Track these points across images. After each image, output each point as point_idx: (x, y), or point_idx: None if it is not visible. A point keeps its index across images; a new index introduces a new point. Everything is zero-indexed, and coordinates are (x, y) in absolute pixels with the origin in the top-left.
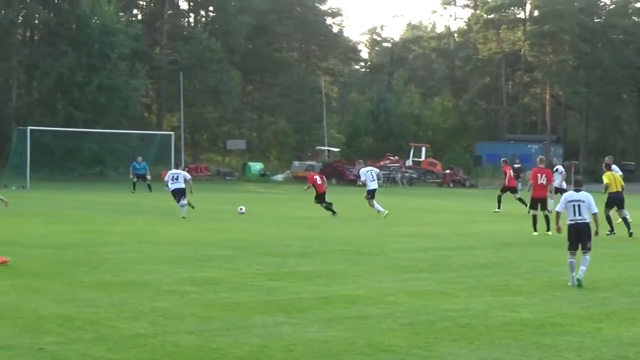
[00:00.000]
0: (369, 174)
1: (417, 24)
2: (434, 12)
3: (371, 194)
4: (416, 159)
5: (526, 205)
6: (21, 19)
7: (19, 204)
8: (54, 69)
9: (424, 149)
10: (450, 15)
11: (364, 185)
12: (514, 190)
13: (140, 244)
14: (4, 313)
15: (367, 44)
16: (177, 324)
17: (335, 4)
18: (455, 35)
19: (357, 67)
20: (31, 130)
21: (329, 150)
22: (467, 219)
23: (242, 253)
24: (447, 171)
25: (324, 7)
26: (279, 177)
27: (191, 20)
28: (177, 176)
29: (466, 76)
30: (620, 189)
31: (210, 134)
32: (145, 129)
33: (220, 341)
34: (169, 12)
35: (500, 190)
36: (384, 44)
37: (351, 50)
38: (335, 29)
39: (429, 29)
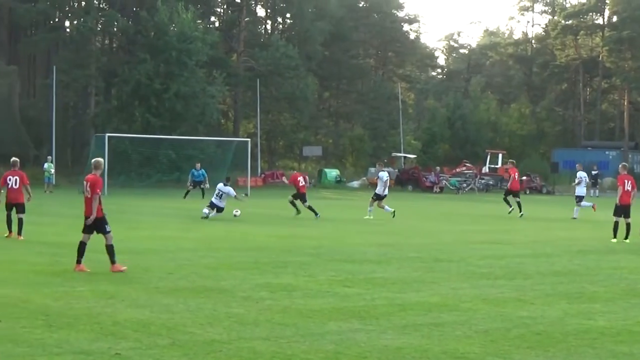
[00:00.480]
0: (387, 179)
1: (495, 30)
2: (512, 18)
3: (380, 198)
4: (493, 166)
5: (520, 210)
6: (100, 27)
7: None
8: (132, 76)
9: (500, 155)
10: (528, 22)
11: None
12: (516, 193)
13: (216, 250)
14: (81, 319)
15: (444, 50)
16: (252, 330)
17: (413, 11)
18: (533, 41)
19: (433, 73)
20: (109, 137)
21: (405, 157)
22: (544, 226)
23: (318, 259)
24: (524, 178)
25: (401, 14)
26: (355, 183)
27: (268, 27)
28: (221, 194)
29: (543, 82)
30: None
31: (286, 141)
32: (222, 135)
33: (295, 347)
34: (247, 19)
35: (505, 193)
36: (461, 51)
37: (428, 57)
38: (412, 36)
39: (506, 35)
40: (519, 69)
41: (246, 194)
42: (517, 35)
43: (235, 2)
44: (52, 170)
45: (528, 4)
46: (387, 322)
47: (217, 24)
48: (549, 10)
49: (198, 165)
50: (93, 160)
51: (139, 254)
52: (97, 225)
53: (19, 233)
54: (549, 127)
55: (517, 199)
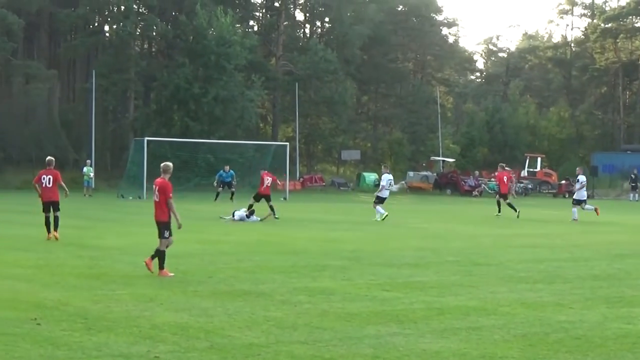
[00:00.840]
0: (388, 182)
1: (534, 33)
2: (551, 21)
3: (381, 201)
4: (531, 170)
5: (515, 210)
6: (139, 31)
7: (135, 213)
8: (171, 80)
9: (539, 159)
10: (567, 25)
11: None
12: (505, 196)
13: (255, 253)
14: (120, 322)
15: (483, 54)
16: (290, 334)
17: (451, 14)
18: (572, 44)
19: (472, 77)
20: (148, 141)
21: (443, 161)
22: (583, 230)
23: (356, 263)
24: (563, 182)
25: (440, 18)
26: (394, 187)
27: (307, 31)
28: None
29: (583, 86)
30: None
31: (325, 145)
32: (261, 139)
33: (333, 351)
34: (285, 23)
35: (498, 196)
36: (500, 54)
37: (467, 61)
38: (451, 39)
39: (545, 38)
40: (558, 72)
41: (285, 198)
42: (557, 39)
43: (274, 6)
44: (92, 174)
45: (567, 7)
46: (426, 326)
47: (255, 28)
48: (589, 14)
49: (227, 168)
50: (162, 165)
51: (178, 258)
52: (158, 227)
53: (55, 229)
54: (588, 131)
55: (507, 201)
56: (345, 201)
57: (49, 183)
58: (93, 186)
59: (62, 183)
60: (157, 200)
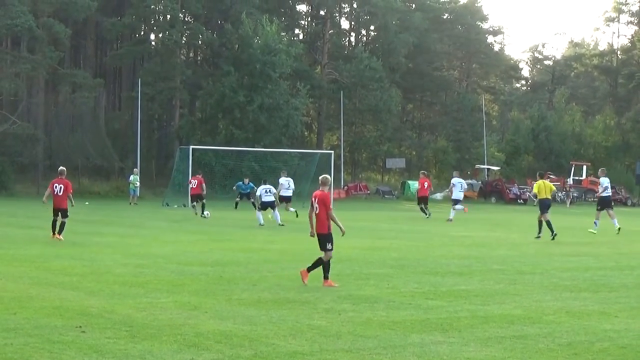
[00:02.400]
0: (459, 185)
1: (579, 41)
2: (597, 29)
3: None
4: (577, 178)
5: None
6: (185, 40)
7: (180, 221)
8: (216, 88)
9: (585, 167)
10: (614, 33)
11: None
12: (423, 199)
13: (299, 261)
14: (164, 330)
15: (528, 62)
16: (334, 342)
17: (497, 23)
18: (618, 52)
19: (517, 85)
20: (193, 149)
21: (488, 169)
22: (629, 239)
23: (401, 271)
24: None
25: (485, 26)
26: (439, 195)
27: (352, 39)
28: (269, 190)
29: (629, 94)
30: (549, 196)
31: (369, 153)
32: (306, 147)
33: (377, 359)
34: (330, 31)
35: (418, 200)
36: (546, 62)
37: (512, 69)
38: (496, 47)
39: (591, 46)
40: (604, 80)
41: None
42: (603, 47)
43: (320, 14)
44: (138, 183)
45: (613, 14)
46: (470, 335)
47: (301, 37)
48: (635, 21)
49: (247, 180)
50: (321, 177)
51: (223, 266)
52: (319, 240)
53: (60, 233)
54: (635, 139)
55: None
56: (389, 209)
57: (60, 192)
58: (138, 194)
59: (71, 193)
60: (317, 212)
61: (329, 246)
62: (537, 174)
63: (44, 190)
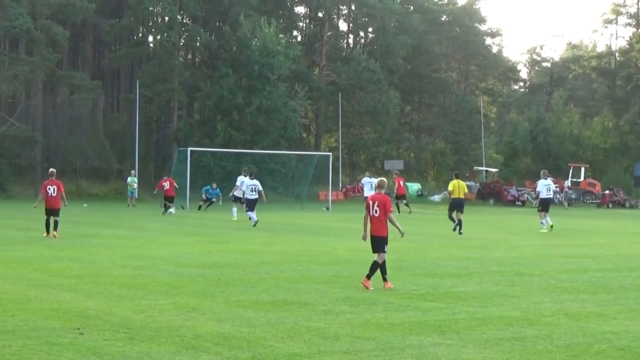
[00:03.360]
0: (368, 185)
1: (578, 43)
2: (595, 31)
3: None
4: (575, 180)
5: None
6: (183, 42)
7: (178, 223)
8: (215, 90)
9: (583, 169)
10: (612, 34)
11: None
12: (402, 197)
13: (297, 263)
14: (163, 332)
15: (527, 63)
16: (333, 344)
17: (495, 24)
18: (617, 54)
19: (516, 87)
20: (191, 151)
21: (486, 171)
22: (627, 240)
23: (399, 273)
24: (607, 192)
25: (483, 28)
26: (437, 197)
27: (350, 41)
28: (254, 188)
29: (627, 95)
30: (462, 196)
31: (368, 155)
32: (304, 149)
33: None
34: (329, 33)
35: (395, 198)
36: (544, 64)
37: (510, 70)
38: (494, 49)
39: (589, 48)
40: (602, 82)
41: (327, 208)
42: (601, 48)
43: (318, 16)
44: (135, 185)
45: (612, 16)
46: (468, 336)
47: (299, 38)
48: (633, 23)
49: (214, 185)
50: (378, 180)
51: (221, 267)
52: (376, 242)
53: (55, 229)
54: (633, 141)
55: (401, 201)
56: None
57: (54, 193)
58: (137, 196)
59: (63, 193)
60: (377, 215)
61: (385, 248)
62: (453, 173)
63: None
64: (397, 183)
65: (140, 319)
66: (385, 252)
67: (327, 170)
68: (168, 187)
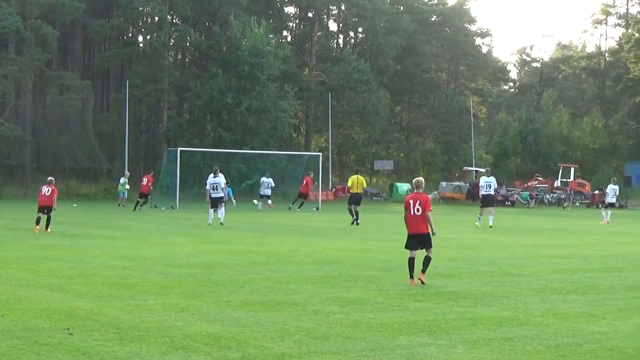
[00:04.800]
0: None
1: (567, 43)
2: (585, 31)
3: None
4: (565, 180)
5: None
6: (173, 42)
7: (168, 223)
8: (204, 90)
9: (572, 169)
10: (601, 35)
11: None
12: (303, 196)
13: (287, 263)
14: (152, 332)
15: (516, 64)
16: (322, 344)
17: (485, 25)
18: (606, 54)
19: (505, 87)
20: (181, 151)
21: (476, 171)
22: (617, 240)
23: (388, 273)
24: (596, 192)
25: (473, 28)
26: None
27: (340, 41)
28: (216, 186)
29: (616, 96)
30: (360, 191)
31: (357, 155)
32: (293, 149)
33: None
34: (319, 33)
35: (298, 196)
36: (533, 64)
37: (500, 71)
38: (484, 50)
39: (579, 48)
40: (591, 82)
41: (317, 208)
42: (590, 49)
43: (308, 16)
44: (128, 186)
45: (601, 17)
46: (458, 337)
47: (289, 39)
48: (623, 24)
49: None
50: (415, 180)
51: (211, 268)
52: (421, 240)
53: (47, 227)
54: (622, 141)
55: (302, 200)
56: (377, 211)
57: (47, 192)
58: (127, 197)
59: (55, 198)
60: (419, 213)
61: (432, 242)
62: (354, 169)
63: (32, 192)
64: (305, 181)
65: (129, 319)
66: (432, 246)
67: (317, 171)
68: (145, 184)
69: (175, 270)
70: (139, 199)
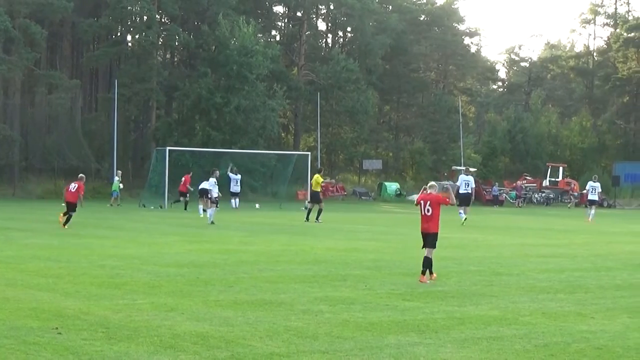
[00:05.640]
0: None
1: (556, 43)
2: (573, 31)
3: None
4: (553, 179)
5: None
6: (161, 41)
7: (157, 223)
8: (193, 90)
9: (561, 168)
10: (590, 34)
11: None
12: (183, 194)
13: (276, 263)
14: (141, 331)
15: (505, 63)
16: (311, 343)
17: (474, 24)
18: (595, 54)
19: (494, 86)
20: (170, 150)
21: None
22: (605, 240)
23: (377, 273)
24: (584, 191)
25: (462, 27)
26: (415, 196)
27: (329, 41)
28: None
29: (605, 95)
30: (318, 189)
31: (346, 154)
32: (282, 149)
33: None
34: (307, 33)
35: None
36: (522, 64)
37: (489, 70)
38: (473, 49)
39: (567, 48)
40: (580, 82)
41: (306, 207)
42: (579, 48)
43: (296, 16)
44: (121, 185)
45: (590, 16)
46: (446, 336)
47: (277, 38)
48: (611, 23)
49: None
50: (430, 183)
51: (200, 267)
52: (430, 239)
53: (65, 223)
54: (611, 140)
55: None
56: (366, 211)
57: (73, 189)
58: (115, 196)
59: (82, 195)
60: (429, 214)
61: (436, 244)
62: (317, 169)
63: (20, 191)
64: (184, 179)
65: (118, 318)
66: (435, 247)
67: (306, 170)
68: (182, 183)
69: (163, 270)
70: (181, 198)
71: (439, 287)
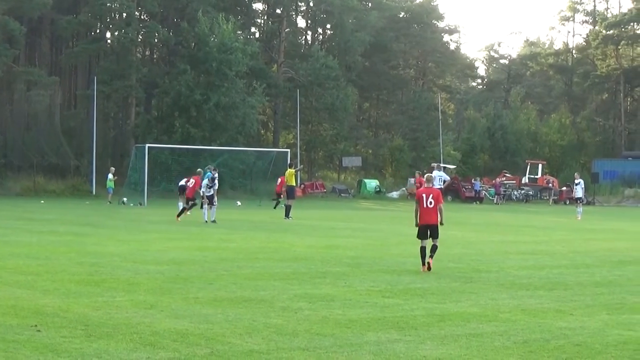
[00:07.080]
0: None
1: (535, 40)
2: (552, 28)
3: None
4: (532, 176)
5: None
6: (141, 38)
7: (136, 220)
8: (173, 87)
9: (540, 166)
10: (569, 32)
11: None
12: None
13: (255, 260)
14: (120, 328)
15: (484, 60)
16: (291, 340)
17: (453, 22)
18: (574, 51)
19: (473, 84)
20: (149, 147)
21: (444, 167)
22: (584, 237)
23: (357, 270)
24: (564, 188)
25: (441, 25)
26: (395, 194)
27: (308, 38)
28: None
29: (584, 93)
30: (294, 184)
31: (326, 151)
32: (262, 146)
33: (333, 358)
34: (287, 30)
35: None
36: (501, 61)
37: (468, 67)
38: (452, 46)
39: (546, 45)
40: (559, 79)
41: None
42: (558, 46)
43: (276, 13)
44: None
45: (569, 14)
46: (426, 333)
47: (257, 35)
48: (590, 21)
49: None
50: (426, 175)
51: (179, 264)
52: (432, 230)
53: (180, 214)
54: (590, 138)
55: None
56: (346, 208)
57: (191, 184)
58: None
59: (197, 188)
60: (431, 206)
61: (439, 233)
62: (288, 164)
63: (0, 188)
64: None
65: (97, 315)
66: (438, 236)
67: (285, 167)
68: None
69: (143, 267)
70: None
71: (418, 284)
